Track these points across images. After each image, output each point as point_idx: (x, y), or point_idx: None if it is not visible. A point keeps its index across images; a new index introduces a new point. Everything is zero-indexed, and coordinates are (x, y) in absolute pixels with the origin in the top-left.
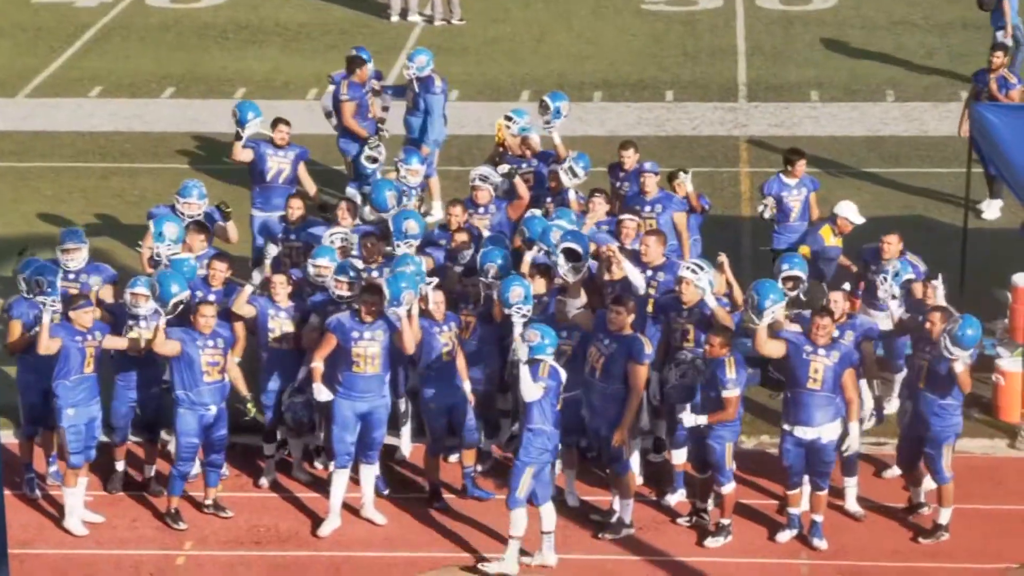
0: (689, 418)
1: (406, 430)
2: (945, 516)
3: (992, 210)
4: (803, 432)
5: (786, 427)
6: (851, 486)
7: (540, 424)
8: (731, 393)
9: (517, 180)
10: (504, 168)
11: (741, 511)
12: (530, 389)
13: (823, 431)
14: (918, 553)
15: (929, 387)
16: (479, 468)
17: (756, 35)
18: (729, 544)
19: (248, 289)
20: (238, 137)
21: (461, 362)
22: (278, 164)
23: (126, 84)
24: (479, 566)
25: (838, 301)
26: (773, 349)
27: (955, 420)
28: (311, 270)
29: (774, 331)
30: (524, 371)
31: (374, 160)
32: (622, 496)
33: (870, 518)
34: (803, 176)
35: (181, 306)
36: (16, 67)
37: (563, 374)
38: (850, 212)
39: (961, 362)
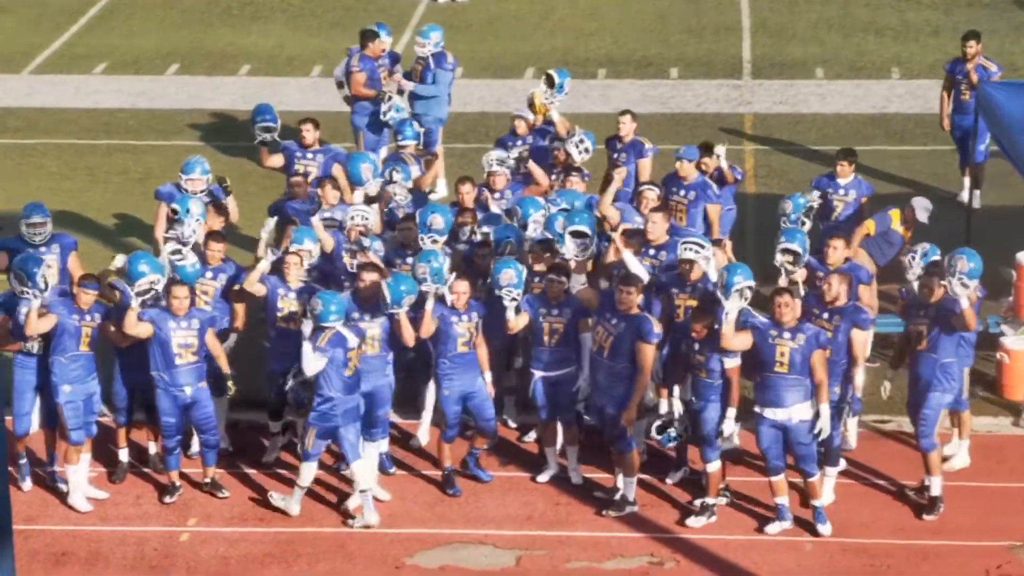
0: (728, 426)
1: (426, 416)
2: (936, 486)
3: (974, 201)
4: (773, 413)
5: (757, 409)
6: (830, 475)
7: (325, 391)
8: (734, 363)
9: (532, 165)
10: (517, 151)
11: (747, 488)
12: (310, 362)
13: (793, 412)
14: (921, 530)
15: (931, 347)
16: (484, 446)
17: (761, 12)
18: (734, 521)
19: (262, 267)
20: (262, 143)
21: (483, 353)
22: (304, 167)
23: (131, 61)
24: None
25: (833, 284)
26: (741, 342)
27: (955, 383)
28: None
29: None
30: (306, 346)
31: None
32: (626, 474)
33: (874, 495)
34: (855, 178)
35: (153, 291)
36: (21, 43)
37: (351, 339)
38: (919, 206)
39: (966, 297)
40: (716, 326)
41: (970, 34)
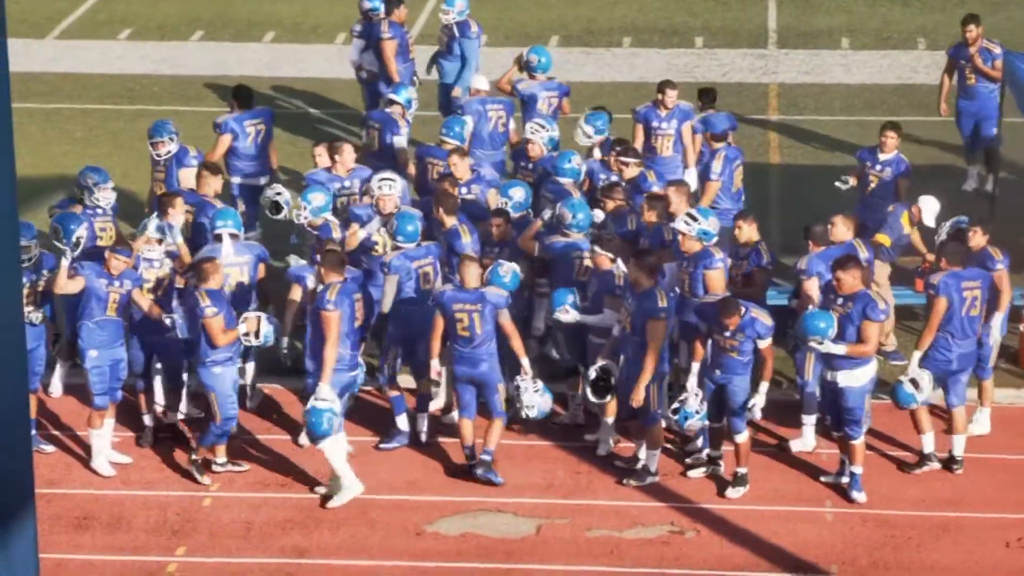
0: (760, 399)
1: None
2: (958, 446)
3: (972, 182)
4: (824, 372)
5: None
6: (808, 424)
7: None
8: (768, 343)
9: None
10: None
11: (766, 459)
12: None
13: (839, 376)
14: (942, 502)
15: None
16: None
17: None
18: (754, 492)
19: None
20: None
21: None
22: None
23: (155, 27)
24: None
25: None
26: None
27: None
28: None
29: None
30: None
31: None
32: (649, 447)
33: (894, 466)
34: (896, 155)
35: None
36: (46, 8)
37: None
38: (927, 208)
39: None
40: (747, 311)
41: (968, 18)
